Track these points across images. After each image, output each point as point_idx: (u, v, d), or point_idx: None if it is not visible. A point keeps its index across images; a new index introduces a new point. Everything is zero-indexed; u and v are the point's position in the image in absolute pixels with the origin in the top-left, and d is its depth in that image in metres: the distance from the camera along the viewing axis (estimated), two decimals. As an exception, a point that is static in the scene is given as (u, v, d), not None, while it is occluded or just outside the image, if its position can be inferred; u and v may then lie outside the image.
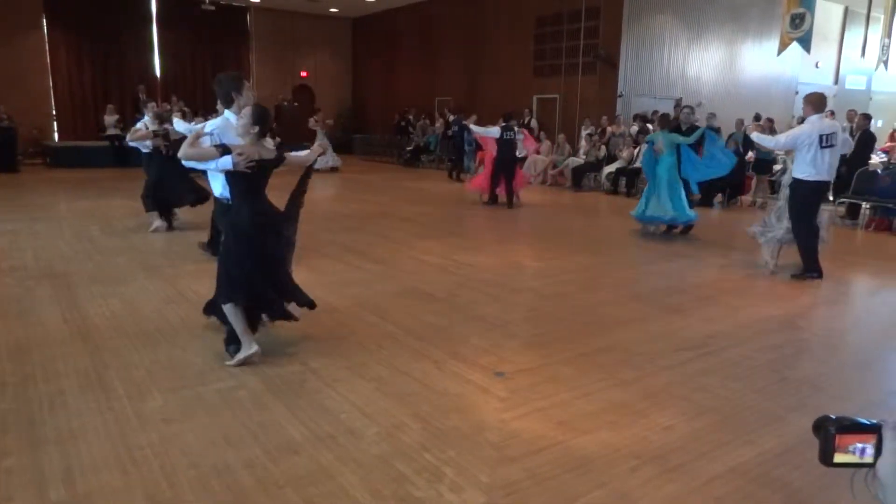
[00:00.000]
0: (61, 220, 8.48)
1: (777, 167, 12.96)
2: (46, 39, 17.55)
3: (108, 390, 3.34)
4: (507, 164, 10.38)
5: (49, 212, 9.20)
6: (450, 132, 15.51)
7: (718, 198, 11.39)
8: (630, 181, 12.44)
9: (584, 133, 14.05)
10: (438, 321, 4.62)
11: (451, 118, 15.76)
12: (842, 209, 10.24)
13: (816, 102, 6.02)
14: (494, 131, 10.43)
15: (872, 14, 15.30)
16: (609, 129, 13.59)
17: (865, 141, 10.66)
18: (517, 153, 10.81)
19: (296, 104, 20.36)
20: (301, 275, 5.81)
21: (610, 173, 12.76)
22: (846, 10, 18.51)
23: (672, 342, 4.29)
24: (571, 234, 8.69)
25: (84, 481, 2.52)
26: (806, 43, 13.75)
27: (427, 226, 9.12)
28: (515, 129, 10.63)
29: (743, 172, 11.82)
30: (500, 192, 10.55)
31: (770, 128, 12.23)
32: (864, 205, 9.86)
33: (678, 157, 8.14)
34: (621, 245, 8.02)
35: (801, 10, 13.53)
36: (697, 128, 8.68)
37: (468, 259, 6.66)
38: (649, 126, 13.42)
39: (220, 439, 2.86)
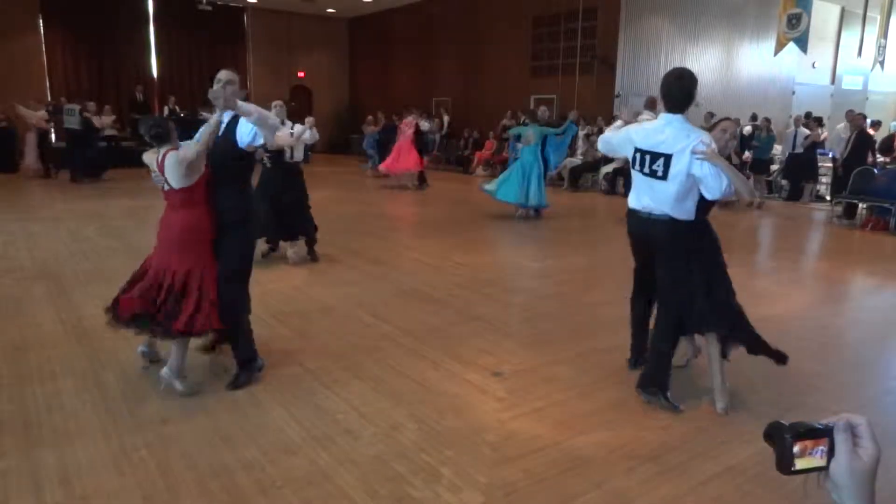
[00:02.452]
0: (57, 220, 8.46)
1: (774, 167, 13.01)
2: (43, 40, 17.51)
3: (104, 391, 3.34)
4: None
5: (45, 212, 9.17)
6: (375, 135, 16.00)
7: (715, 198, 11.39)
8: (628, 181, 12.44)
9: (580, 133, 14.05)
10: (436, 321, 4.62)
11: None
12: (839, 209, 10.26)
13: (651, 104, 8.45)
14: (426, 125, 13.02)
15: (869, 14, 15.36)
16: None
17: (862, 141, 10.67)
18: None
19: (293, 104, 20.33)
20: (298, 276, 5.83)
21: (607, 173, 12.78)
22: (843, 11, 18.56)
23: (669, 342, 4.29)
24: (569, 234, 8.69)
25: (81, 483, 2.51)
26: (802, 43, 13.78)
27: (424, 226, 9.12)
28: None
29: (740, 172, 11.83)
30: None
31: (767, 128, 12.27)
32: (861, 205, 9.88)
33: (542, 144, 9.35)
34: (618, 245, 8.01)
35: (797, 10, 13.56)
36: (563, 121, 10.02)
37: (466, 259, 6.66)
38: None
39: (218, 440, 2.86)
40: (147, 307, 3.30)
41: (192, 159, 3.29)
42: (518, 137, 9.75)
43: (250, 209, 3.50)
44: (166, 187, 3.45)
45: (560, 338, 4.35)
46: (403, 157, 12.51)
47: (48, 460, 2.66)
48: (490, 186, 9.49)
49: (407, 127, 12.80)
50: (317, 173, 15.66)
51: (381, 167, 13.08)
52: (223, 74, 3.34)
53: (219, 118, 3.32)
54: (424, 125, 13.36)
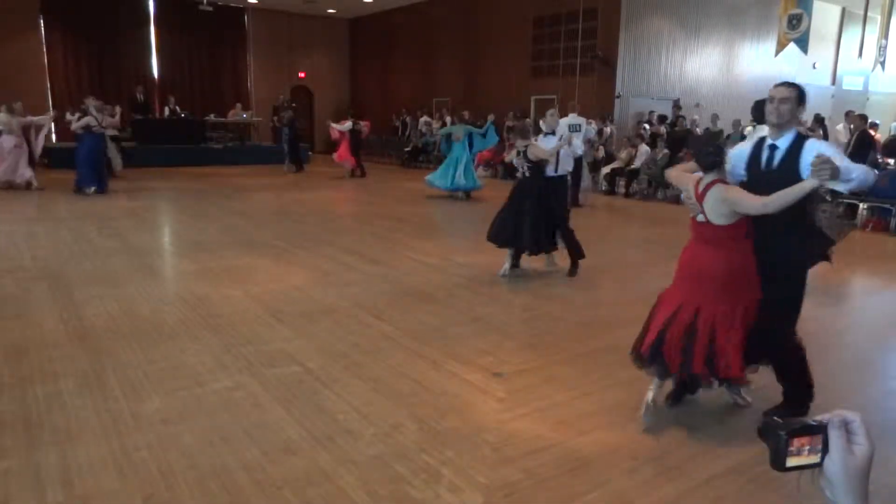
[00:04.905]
0: (59, 220, 8.47)
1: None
2: (44, 40, 17.54)
3: (105, 391, 3.34)
4: (357, 147, 14.77)
5: (47, 212, 9.18)
6: (284, 131, 16.23)
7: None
8: (628, 181, 12.46)
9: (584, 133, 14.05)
10: (436, 322, 4.62)
11: (285, 117, 16.31)
12: (839, 210, 10.25)
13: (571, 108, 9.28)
14: (348, 125, 14.49)
15: (869, 15, 15.37)
16: (605, 129, 13.61)
17: (863, 141, 10.65)
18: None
19: (294, 105, 20.36)
20: (299, 276, 5.83)
21: (607, 174, 12.79)
22: (843, 11, 18.56)
23: (670, 342, 4.29)
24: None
25: (82, 483, 2.51)
26: (803, 44, 13.77)
27: (425, 226, 9.12)
28: (360, 123, 14.86)
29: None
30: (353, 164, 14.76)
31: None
32: (862, 205, 9.87)
33: (469, 140, 11.57)
34: (619, 245, 8.02)
35: (798, 10, 13.55)
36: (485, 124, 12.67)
37: (466, 259, 6.65)
38: (646, 126, 13.47)
39: (218, 440, 2.85)
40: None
41: (746, 211, 2.88)
42: (449, 136, 11.62)
43: (804, 250, 3.03)
44: (700, 218, 3.02)
45: (561, 338, 4.34)
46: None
47: (49, 460, 2.66)
48: (430, 178, 11.58)
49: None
50: (317, 173, 15.70)
51: (339, 158, 15.06)
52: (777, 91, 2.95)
53: (813, 184, 2.67)
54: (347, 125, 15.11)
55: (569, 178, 6.58)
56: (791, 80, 3.15)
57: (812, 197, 2.88)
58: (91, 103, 11.12)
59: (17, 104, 11.18)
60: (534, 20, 15.89)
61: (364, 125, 15.20)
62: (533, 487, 2.56)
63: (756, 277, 3.03)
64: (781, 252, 3.00)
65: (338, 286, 5.51)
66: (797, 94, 2.93)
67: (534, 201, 5.76)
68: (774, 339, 3.10)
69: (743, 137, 12.09)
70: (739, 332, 2.98)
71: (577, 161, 10.40)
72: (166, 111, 17.27)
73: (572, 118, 9.67)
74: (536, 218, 5.75)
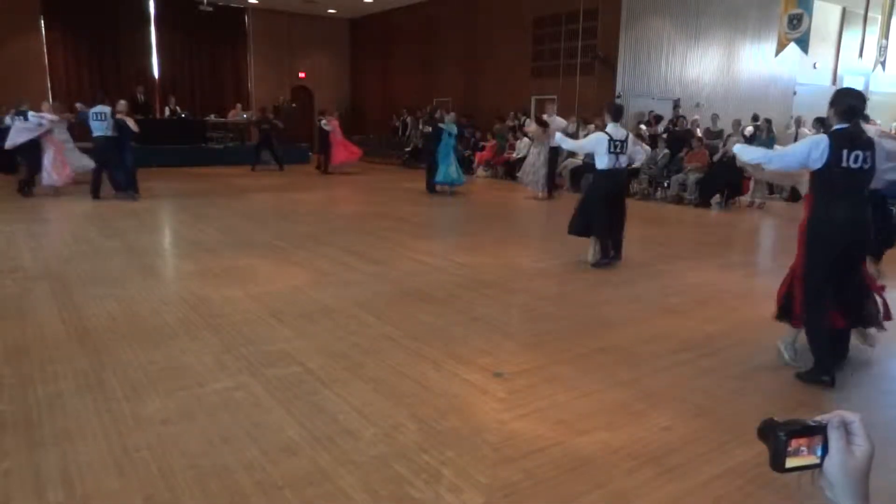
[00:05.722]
0: (59, 220, 8.48)
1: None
2: (44, 41, 17.56)
3: (105, 392, 3.34)
4: (324, 144, 15.53)
5: (47, 213, 9.18)
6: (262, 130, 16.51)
7: (716, 198, 11.39)
8: (628, 181, 12.45)
9: (581, 134, 14.05)
10: (437, 322, 4.62)
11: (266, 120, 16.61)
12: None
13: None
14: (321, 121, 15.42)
15: (870, 15, 15.37)
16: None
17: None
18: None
19: (294, 105, 20.37)
20: (299, 276, 5.83)
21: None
22: (844, 11, 18.55)
23: (670, 343, 4.30)
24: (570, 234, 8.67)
25: (82, 483, 2.51)
26: (804, 44, 13.78)
27: (425, 226, 9.13)
28: (323, 121, 15.48)
29: (741, 173, 11.81)
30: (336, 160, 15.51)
31: (768, 128, 12.25)
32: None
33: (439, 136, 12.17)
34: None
35: (798, 10, 13.56)
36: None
37: (466, 259, 6.66)
38: (643, 126, 13.48)
39: (219, 440, 2.86)
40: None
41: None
42: (450, 134, 12.13)
43: (816, 222, 3.64)
44: None
45: (561, 338, 4.34)
46: (348, 150, 15.77)
47: (49, 460, 2.66)
48: (447, 177, 11.79)
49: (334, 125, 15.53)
50: (317, 173, 15.70)
51: (336, 161, 15.54)
52: None
53: None
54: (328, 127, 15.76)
55: (626, 170, 6.96)
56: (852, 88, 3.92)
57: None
58: (122, 104, 10.69)
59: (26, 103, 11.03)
60: (534, 20, 15.89)
61: (326, 122, 15.43)
62: (533, 487, 2.56)
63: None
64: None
65: (338, 286, 5.51)
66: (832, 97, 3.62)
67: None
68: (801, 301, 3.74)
69: (744, 137, 12.12)
70: (785, 285, 3.94)
71: (554, 151, 11.46)
72: (166, 111, 17.29)
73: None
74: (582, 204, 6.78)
